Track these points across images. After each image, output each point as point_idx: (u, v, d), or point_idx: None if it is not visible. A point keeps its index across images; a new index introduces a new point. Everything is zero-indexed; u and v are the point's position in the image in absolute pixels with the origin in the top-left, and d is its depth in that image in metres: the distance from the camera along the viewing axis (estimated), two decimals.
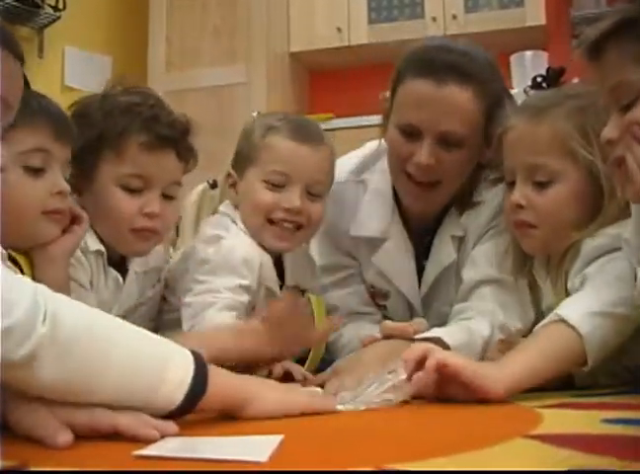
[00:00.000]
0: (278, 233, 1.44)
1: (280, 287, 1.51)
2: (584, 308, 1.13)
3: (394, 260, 1.56)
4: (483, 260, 1.45)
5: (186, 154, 1.40)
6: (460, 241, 1.52)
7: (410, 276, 1.56)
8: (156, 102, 1.38)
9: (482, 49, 1.47)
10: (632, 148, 0.98)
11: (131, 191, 1.34)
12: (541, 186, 1.29)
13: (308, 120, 1.53)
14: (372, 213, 1.57)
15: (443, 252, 1.52)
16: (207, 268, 1.41)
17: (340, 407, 1.00)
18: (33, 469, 0.67)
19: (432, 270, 1.54)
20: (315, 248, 1.64)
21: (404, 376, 1.03)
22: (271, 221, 1.43)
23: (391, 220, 1.55)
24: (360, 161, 1.64)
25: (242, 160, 1.49)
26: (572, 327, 1.09)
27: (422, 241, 1.56)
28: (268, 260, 1.45)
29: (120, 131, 1.32)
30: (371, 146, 1.64)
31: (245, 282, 1.39)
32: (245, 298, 1.38)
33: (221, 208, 1.53)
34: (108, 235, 1.35)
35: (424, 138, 1.40)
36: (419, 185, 1.45)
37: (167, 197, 1.38)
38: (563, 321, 1.11)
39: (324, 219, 1.59)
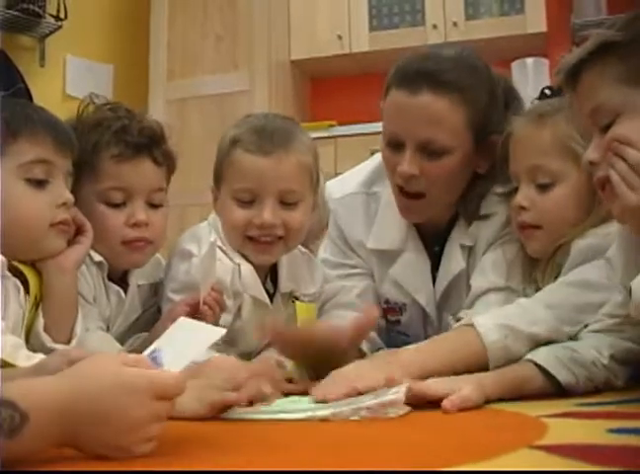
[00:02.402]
0: (257, 248, 1.42)
1: (274, 293, 1.50)
2: (497, 318, 1.22)
3: (412, 271, 1.55)
4: (491, 268, 1.45)
5: (163, 159, 1.39)
6: (470, 250, 1.51)
7: (427, 286, 1.55)
8: (126, 113, 1.38)
9: (473, 56, 1.46)
10: (615, 164, 1.00)
11: (115, 204, 1.34)
12: (544, 187, 1.33)
13: (274, 124, 1.43)
14: (389, 226, 1.56)
15: (453, 261, 1.52)
16: (176, 286, 1.41)
17: (326, 412, 0.99)
18: (32, 469, 0.67)
19: (442, 279, 1.53)
20: (327, 251, 1.64)
21: (402, 395, 1.02)
22: (249, 238, 1.41)
23: (407, 232, 1.55)
24: (370, 172, 1.63)
25: (216, 175, 1.46)
26: (478, 334, 1.18)
27: (432, 251, 1.56)
28: (249, 269, 1.43)
29: (91, 148, 1.31)
30: (380, 157, 1.63)
31: None
32: None
33: (211, 215, 1.51)
34: (102, 252, 1.35)
35: (406, 148, 1.41)
36: (407, 196, 1.45)
37: (153, 205, 1.38)
38: (472, 326, 1.20)
39: (335, 226, 1.61)
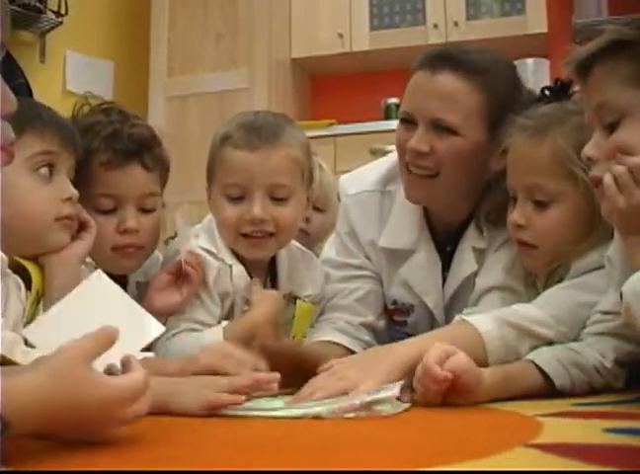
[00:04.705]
0: (250, 243, 1.41)
1: None
2: (491, 315, 1.25)
3: (423, 272, 1.54)
4: (497, 266, 1.44)
5: (153, 164, 1.38)
6: (481, 253, 1.49)
7: (436, 288, 1.54)
8: (118, 116, 1.37)
9: (501, 56, 1.48)
10: (612, 168, 1.00)
11: (105, 211, 1.34)
12: (541, 205, 1.31)
13: (264, 120, 1.42)
14: (402, 225, 1.55)
15: (464, 263, 1.50)
16: None
17: (319, 409, 0.99)
18: (32, 470, 0.67)
19: (453, 281, 1.52)
20: (333, 248, 1.63)
21: (397, 390, 1.02)
22: (243, 235, 1.41)
23: (420, 232, 1.54)
24: (386, 171, 1.61)
25: (208, 173, 1.47)
26: (472, 325, 1.22)
27: (444, 250, 1.55)
28: (240, 270, 1.43)
29: (81, 154, 1.29)
30: (397, 156, 1.60)
31: None
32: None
33: (207, 217, 1.51)
34: (93, 257, 1.34)
35: (418, 127, 1.42)
36: (418, 176, 1.45)
37: (145, 210, 1.38)
38: (465, 321, 1.24)
39: (346, 222, 1.59)
